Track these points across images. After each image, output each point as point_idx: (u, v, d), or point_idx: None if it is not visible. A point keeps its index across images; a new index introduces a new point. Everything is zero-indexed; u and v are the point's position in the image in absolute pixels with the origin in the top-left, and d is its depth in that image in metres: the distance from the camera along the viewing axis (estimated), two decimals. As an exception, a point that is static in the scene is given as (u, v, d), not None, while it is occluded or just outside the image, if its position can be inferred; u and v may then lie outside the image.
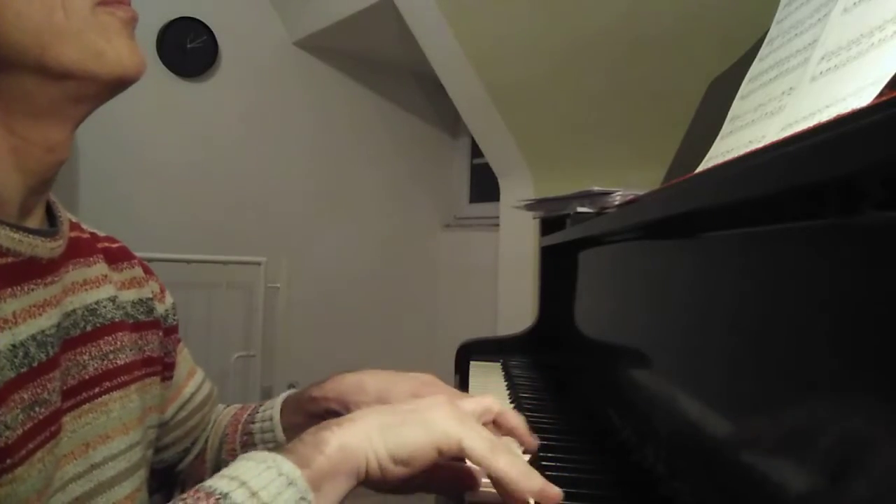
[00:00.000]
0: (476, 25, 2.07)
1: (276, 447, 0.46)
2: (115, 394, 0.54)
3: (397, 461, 0.46)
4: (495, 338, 1.35)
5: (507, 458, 0.47)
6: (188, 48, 2.55)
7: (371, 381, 0.65)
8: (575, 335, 1.10)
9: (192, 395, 0.71)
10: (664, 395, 0.61)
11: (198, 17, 2.55)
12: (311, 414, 0.66)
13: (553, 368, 1.15)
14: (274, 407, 0.70)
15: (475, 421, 0.50)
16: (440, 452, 0.47)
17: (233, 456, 0.69)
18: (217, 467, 0.70)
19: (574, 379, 1.05)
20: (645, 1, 1.69)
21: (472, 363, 1.21)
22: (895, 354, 0.29)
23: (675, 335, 0.60)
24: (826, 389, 0.34)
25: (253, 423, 0.70)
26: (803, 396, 0.36)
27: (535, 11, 1.89)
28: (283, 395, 0.71)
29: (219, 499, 0.39)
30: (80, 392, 0.51)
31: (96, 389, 0.53)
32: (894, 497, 0.28)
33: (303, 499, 0.41)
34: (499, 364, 1.20)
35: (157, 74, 2.47)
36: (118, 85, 0.48)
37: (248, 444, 0.69)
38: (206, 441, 0.74)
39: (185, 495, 0.40)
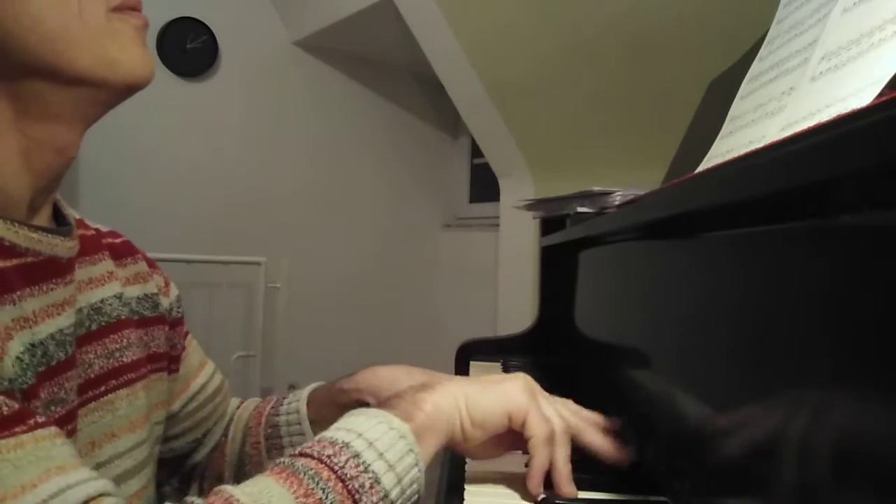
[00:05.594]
0: (476, 25, 2.07)
1: (303, 440, 0.48)
2: (122, 392, 0.55)
3: (475, 423, 0.51)
4: (495, 338, 1.35)
5: (547, 452, 0.53)
6: (188, 48, 2.55)
7: (406, 378, 0.67)
8: (575, 335, 1.10)
9: (203, 385, 0.71)
10: (664, 394, 0.61)
11: (198, 17, 2.55)
12: (341, 405, 0.67)
13: (553, 368, 1.15)
14: (300, 400, 0.70)
15: (548, 403, 0.56)
16: (510, 419, 0.52)
17: (256, 449, 0.69)
18: (240, 461, 0.71)
19: (574, 379, 1.05)
20: (645, 1, 1.69)
21: (471, 363, 1.22)
22: (895, 354, 0.29)
23: (675, 335, 0.60)
24: (826, 389, 0.34)
25: (278, 415, 0.70)
26: (804, 396, 0.37)
27: (535, 11, 1.89)
28: (308, 389, 0.71)
29: (342, 447, 0.43)
30: (87, 391, 0.51)
31: (102, 388, 0.53)
32: (894, 496, 0.28)
33: (411, 451, 0.45)
34: (499, 364, 1.20)
35: (157, 74, 2.46)
36: (129, 91, 0.50)
37: (274, 437, 0.69)
38: (226, 434, 0.74)
39: (309, 443, 0.44)
